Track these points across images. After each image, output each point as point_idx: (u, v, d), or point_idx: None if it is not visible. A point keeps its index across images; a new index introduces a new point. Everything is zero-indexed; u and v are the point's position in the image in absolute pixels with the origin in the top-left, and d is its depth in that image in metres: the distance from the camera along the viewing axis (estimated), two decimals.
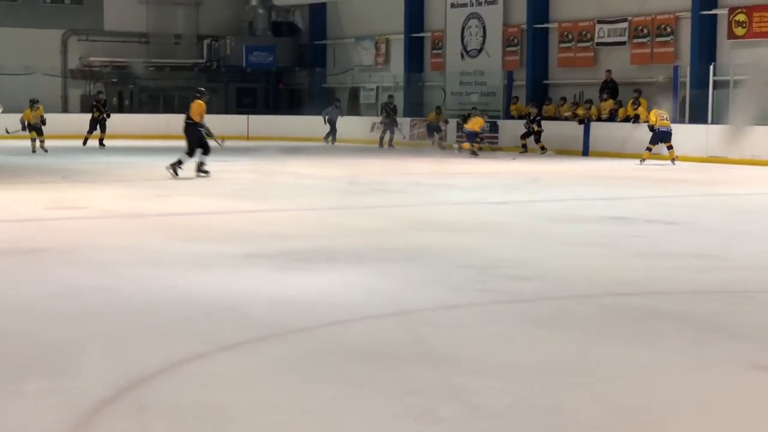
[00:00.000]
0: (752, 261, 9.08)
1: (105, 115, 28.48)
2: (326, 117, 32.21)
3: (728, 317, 6.55)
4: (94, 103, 29.38)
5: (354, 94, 37.05)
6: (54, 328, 6.10)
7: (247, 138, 34.52)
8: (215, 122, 34.03)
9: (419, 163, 22.84)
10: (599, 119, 26.74)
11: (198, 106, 17.88)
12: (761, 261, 9.10)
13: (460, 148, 27.03)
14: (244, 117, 36.39)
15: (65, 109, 36.43)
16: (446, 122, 29.37)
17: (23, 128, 26.04)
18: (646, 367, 5.31)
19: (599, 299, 7.18)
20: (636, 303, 7.04)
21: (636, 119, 25.12)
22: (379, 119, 31.60)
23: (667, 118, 21.72)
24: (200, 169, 17.38)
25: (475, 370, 5.16)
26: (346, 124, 32.36)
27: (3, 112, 31.88)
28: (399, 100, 34.07)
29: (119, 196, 14.31)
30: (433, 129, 29.19)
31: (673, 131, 21.94)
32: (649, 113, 22.61)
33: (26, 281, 7.69)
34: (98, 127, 28.44)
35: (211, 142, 18.11)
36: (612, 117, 26.58)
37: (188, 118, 17.81)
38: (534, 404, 4.59)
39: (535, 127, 26.46)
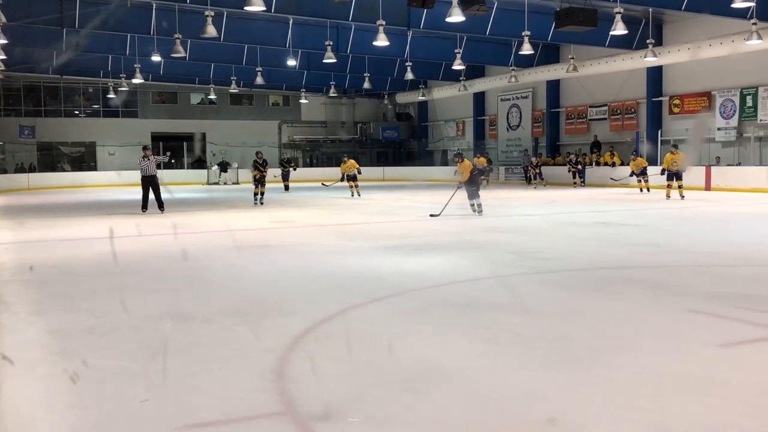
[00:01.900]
0: (685, 248, 8.79)
1: (291, 169, 25.49)
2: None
3: (672, 281, 6.33)
4: (283, 162, 26.30)
5: (444, 154, 37.03)
6: (277, 290, 6.23)
7: (383, 180, 34.73)
8: (363, 173, 34.70)
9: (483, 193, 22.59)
10: (591, 164, 26.24)
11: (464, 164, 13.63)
12: (690, 248, 8.79)
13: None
14: (381, 168, 36.59)
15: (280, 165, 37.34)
16: (491, 169, 27.78)
17: (341, 179, 20.91)
18: (622, 310, 5.19)
19: (592, 271, 7.02)
20: (615, 273, 6.87)
21: (613, 164, 24.69)
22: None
23: (675, 163, 17.18)
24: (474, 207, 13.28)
25: (519, 313, 5.11)
26: (443, 172, 32.06)
27: (238, 167, 32.61)
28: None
29: (312, 215, 14.56)
30: (483, 171, 27.51)
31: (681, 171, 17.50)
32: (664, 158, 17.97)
33: (261, 263, 7.87)
34: (286, 177, 25.29)
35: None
36: (597, 163, 26.08)
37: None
38: (555, 333, 4.53)
39: (579, 168, 25.37)
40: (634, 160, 21.29)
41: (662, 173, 17.55)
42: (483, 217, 12.51)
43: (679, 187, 17.36)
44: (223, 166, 32.49)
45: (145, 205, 15.17)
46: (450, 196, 13.71)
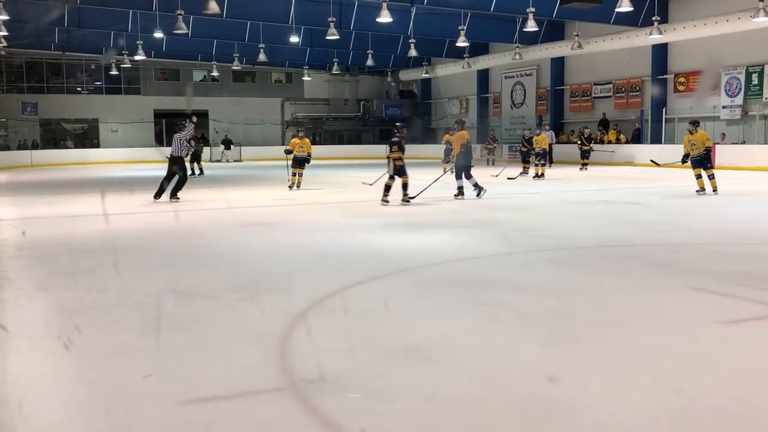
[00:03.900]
0: (686, 226, 8.77)
1: (201, 149, 20.65)
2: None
3: (673, 259, 6.33)
4: (199, 137, 20.20)
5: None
6: (278, 266, 6.23)
7: (386, 158, 34.49)
8: (366, 150, 34.78)
9: (488, 171, 22.46)
10: (597, 142, 25.91)
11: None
12: (691, 225, 8.77)
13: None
14: (383, 146, 36.41)
15: (283, 143, 37.17)
16: (495, 146, 27.29)
17: (289, 153, 15.15)
18: (623, 288, 5.17)
19: (594, 249, 7.01)
20: (616, 251, 6.85)
21: (618, 142, 24.57)
22: (483, 145, 28.59)
23: (695, 145, 12.56)
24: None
25: (521, 290, 5.09)
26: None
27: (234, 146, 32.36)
28: (474, 136, 33.47)
29: (312, 192, 14.47)
30: (488, 150, 27.20)
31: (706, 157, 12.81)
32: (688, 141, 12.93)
33: (262, 240, 7.87)
34: (197, 158, 20.13)
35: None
36: (602, 141, 25.88)
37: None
38: (556, 310, 4.52)
39: (586, 146, 22.19)
40: (538, 135, 18.59)
41: (684, 161, 12.93)
42: (485, 196, 12.44)
43: (710, 177, 12.61)
44: (226, 144, 32.46)
45: (163, 190, 12.16)
46: (436, 178, 13.56)
